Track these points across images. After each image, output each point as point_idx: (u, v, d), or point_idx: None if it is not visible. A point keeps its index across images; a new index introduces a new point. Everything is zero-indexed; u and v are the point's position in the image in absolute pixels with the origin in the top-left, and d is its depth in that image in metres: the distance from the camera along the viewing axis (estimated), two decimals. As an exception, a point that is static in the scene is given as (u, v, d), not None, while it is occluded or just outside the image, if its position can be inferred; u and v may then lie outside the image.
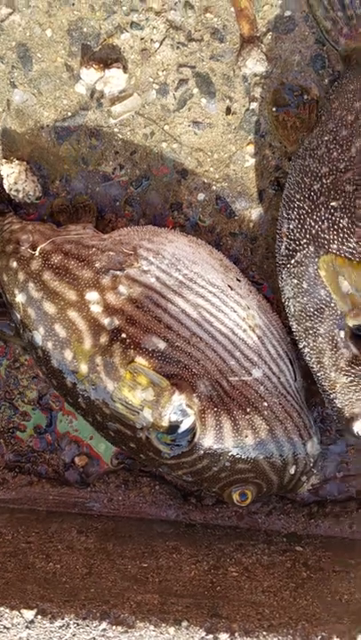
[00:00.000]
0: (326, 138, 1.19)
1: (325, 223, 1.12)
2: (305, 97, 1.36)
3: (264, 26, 1.36)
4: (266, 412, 1.17)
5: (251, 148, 1.37)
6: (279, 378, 1.23)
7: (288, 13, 1.36)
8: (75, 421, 1.38)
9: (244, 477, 1.17)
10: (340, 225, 1.09)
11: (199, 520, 1.33)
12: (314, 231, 1.14)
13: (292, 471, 1.19)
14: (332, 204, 1.12)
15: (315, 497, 1.38)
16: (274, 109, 1.35)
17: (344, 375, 1.12)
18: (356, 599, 1.07)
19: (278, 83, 1.36)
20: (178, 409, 1.13)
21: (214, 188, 1.38)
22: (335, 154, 1.15)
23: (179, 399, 1.13)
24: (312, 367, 1.19)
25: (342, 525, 1.31)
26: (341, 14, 1.32)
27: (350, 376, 1.11)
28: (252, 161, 1.37)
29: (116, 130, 1.39)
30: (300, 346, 1.20)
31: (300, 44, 1.36)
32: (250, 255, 1.39)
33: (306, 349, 1.18)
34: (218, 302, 1.23)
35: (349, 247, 1.07)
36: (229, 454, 1.15)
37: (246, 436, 1.15)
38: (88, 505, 1.34)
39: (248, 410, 1.16)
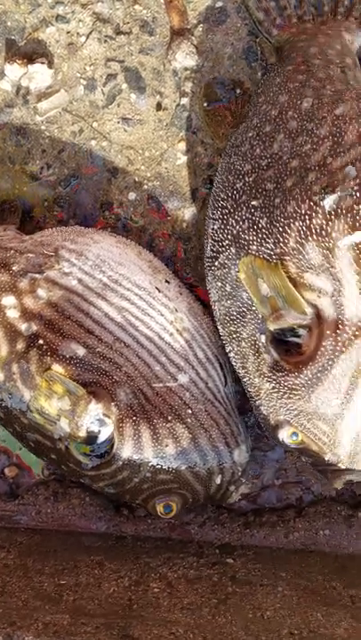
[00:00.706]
0: (250, 134, 1.14)
1: (246, 223, 1.07)
2: (237, 91, 1.31)
3: (195, 18, 1.31)
4: (189, 420, 1.12)
5: (182, 145, 1.32)
6: (207, 383, 1.18)
7: (220, 4, 1.31)
8: (2, 431, 1.33)
9: (168, 488, 1.12)
10: (260, 225, 1.04)
11: (130, 532, 1.27)
12: (235, 232, 1.09)
13: (218, 481, 1.14)
14: (253, 202, 1.07)
15: (253, 505, 1.33)
16: (205, 104, 1.30)
17: (267, 381, 1.07)
18: (279, 615, 1.03)
19: (210, 76, 1.31)
20: (95, 418, 1.09)
21: (146, 187, 1.33)
22: (258, 150, 1.10)
23: (95, 408, 1.08)
24: (238, 372, 1.14)
25: (278, 535, 1.27)
26: (274, 4, 1.27)
27: (272, 382, 1.06)
28: (184, 158, 1.32)
29: (42, 127, 1.34)
30: (227, 350, 1.15)
31: (233, 36, 1.31)
32: (184, 256, 1.34)
33: (231, 354, 1.13)
34: (144, 305, 1.18)
35: (268, 248, 1.02)
36: (150, 465, 1.10)
37: (167, 446, 1.10)
38: (15, 518, 1.29)
39: (170, 418, 1.11)
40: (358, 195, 0.91)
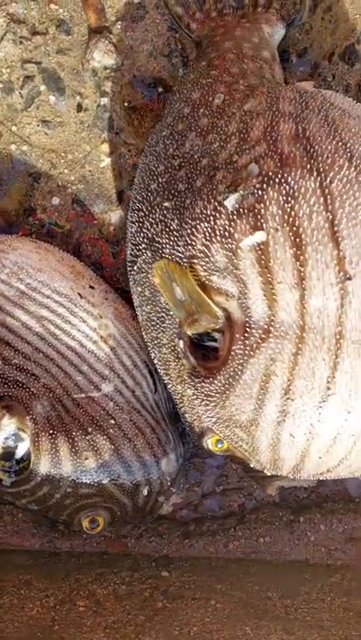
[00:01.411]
0: (164, 133, 1.10)
1: (159, 226, 1.03)
2: (159, 89, 1.27)
3: (113, 15, 1.27)
4: (112, 431, 1.08)
5: (106, 147, 1.28)
6: (134, 391, 1.14)
7: (138, 1, 1.27)
8: None
9: (92, 503, 1.08)
10: (172, 227, 1.00)
11: (65, 548, 1.24)
12: (150, 235, 1.05)
13: (145, 492, 1.10)
14: (165, 204, 1.03)
15: (194, 514, 1.30)
16: (126, 104, 1.26)
17: (188, 388, 1.03)
18: (207, 630, 0.99)
19: (130, 75, 1.27)
20: (10, 433, 1.05)
21: (70, 190, 1.29)
22: (171, 150, 1.06)
23: (9, 423, 1.04)
24: (163, 379, 1.10)
25: (217, 545, 1.23)
26: (193, -1, 1.23)
27: (192, 389, 1.02)
28: (108, 160, 1.29)
29: None
30: (152, 357, 1.11)
31: (152, 32, 1.27)
32: (113, 260, 1.30)
33: (155, 360, 1.10)
34: (65, 313, 1.15)
35: (179, 251, 0.98)
36: (70, 479, 1.06)
37: (87, 459, 1.06)
38: None
39: (90, 429, 1.07)
40: (260, 193, 0.87)
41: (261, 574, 1.16)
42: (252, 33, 1.18)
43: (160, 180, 1.06)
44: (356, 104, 1.00)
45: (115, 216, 1.29)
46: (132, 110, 1.25)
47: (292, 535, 1.23)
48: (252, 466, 1.02)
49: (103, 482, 1.07)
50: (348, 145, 0.89)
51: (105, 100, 1.27)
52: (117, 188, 1.29)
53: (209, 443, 1.06)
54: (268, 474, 1.01)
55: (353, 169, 0.87)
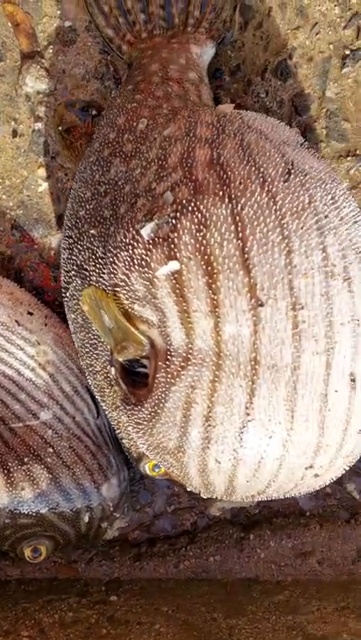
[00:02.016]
0: (92, 159, 1.10)
1: (86, 253, 1.03)
2: (92, 112, 1.27)
3: (45, 39, 1.27)
4: (50, 459, 1.08)
5: (42, 171, 1.28)
6: (74, 417, 1.14)
7: (68, 24, 1.27)
8: None
9: (33, 532, 1.08)
10: (97, 255, 1.01)
11: (15, 576, 1.24)
12: (79, 262, 1.05)
13: (86, 519, 1.10)
14: (92, 231, 1.03)
15: (146, 535, 1.30)
16: (60, 128, 1.26)
17: (122, 414, 1.04)
18: (147, 656, 0.99)
19: (63, 99, 1.28)
20: None
21: (9, 216, 1.29)
22: (97, 176, 1.07)
23: None
24: (101, 405, 1.11)
25: (168, 565, 1.23)
26: (123, 20, 1.23)
27: (125, 415, 1.02)
28: (45, 185, 1.29)
29: None
30: (90, 383, 1.11)
31: (84, 55, 1.27)
32: (54, 284, 1.30)
33: (92, 387, 1.10)
34: (1, 341, 1.15)
35: (104, 279, 0.98)
36: (7, 510, 1.06)
37: (23, 489, 1.06)
38: None
39: (26, 459, 1.07)
40: (174, 222, 0.87)
41: (210, 594, 1.16)
42: (179, 54, 1.18)
43: (87, 206, 1.06)
44: (277, 125, 1.01)
45: (55, 240, 1.29)
46: (67, 134, 1.25)
47: (242, 553, 1.23)
48: (189, 490, 1.02)
49: (42, 511, 1.07)
50: (262, 170, 0.89)
51: (39, 125, 1.27)
52: (56, 212, 1.29)
53: (146, 468, 1.06)
54: (205, 497, 1.01)
55: (265, 194, 0.87)
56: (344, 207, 0.93)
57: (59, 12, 1.26)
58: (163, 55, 1.17)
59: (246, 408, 0.85)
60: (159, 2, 1.22)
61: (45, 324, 1.19)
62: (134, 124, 1.07)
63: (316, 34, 1.26)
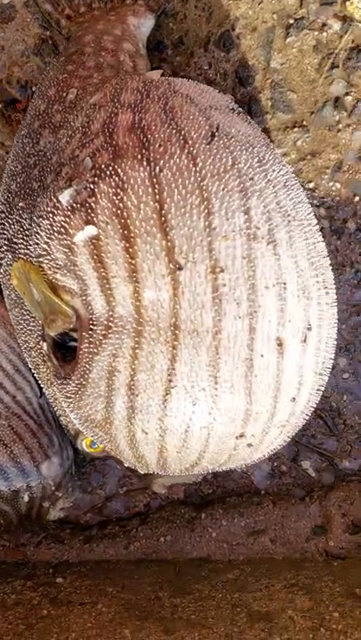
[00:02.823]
0: (23, 132, 1.08)
1: (15, 226, 1.01)
2: (32, 88, 1.25)
3: (-17, 17, 1.26)
4: (-14, 438, 1.07)
5: (-17, 150, 1.27)
6: (14, 396, 1.12)
7: (7, 1, 1.25)
8: None
9: (-29, 513, 1.07)
10: (25, 227, 0.99)
11: None
12: (9, 236, 1.03)
13: (26, 498, 1.08)
14: (20, 204, 1.01)
15: (99, 517, 1.27)
16: (0, 105, 1.25)
17: (57, 390, 1.02)
18: (84, 636, 0.97)
19: (3, 76, 1.26)
20: None
21: None
22: (27, 148, 1.05)
23: None
24: (40, 383, 1.08)
25: (117, 547, 1.21)
26: (62, -5, 1.22)
27: (58, 391, 1.00)
28: (-14, 164, 1.27)
29: None
30: (28, 363, 1.09)
31: (23, 31, 1.25)
32: (-1, 265, 1.28)
33: (29, 364, 1.08)
34: None
35: (30, 250, 0.96)
36: None
37: None
38: None
39: None
40: (92, 187, 0.85)
41: (157, 574, 1.14)
42: (114, 25, 1.16)
43: (18, 179, 1.04)
44: (208, 90, 0.98)
45: (-2, 220, 1.27)
46: (6, 111, 1.23)
47: (194, 532, 1.21)
48: (125, 466, 1.00)
49: (-22, 490, 1.05)
50: (184, 132, 0.87)
51: (-21, 104, 1.26)
52: (-1, 192, 1.27)
53: (84, 444, 1.04)
54: (142, 472, 0.99)
55: (185, 156, 0.84)
56: (273, 170, 0.90)
57: (-3, -12, 1.24)
58: (98, 27, 1.15)
59: (168, 375, 0.83)
60: (98, -25, 1.21)
61: (-14, 304, 1.18)
62: (64, 94, 1.05)
63: (259, 3, 1.24)
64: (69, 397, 0.94)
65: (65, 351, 0.98)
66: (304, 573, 1.11)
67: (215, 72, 1.26)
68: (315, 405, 0.96)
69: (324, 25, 1.24)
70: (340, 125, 1.25)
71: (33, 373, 1.16)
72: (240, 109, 0.99)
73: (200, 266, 0.81)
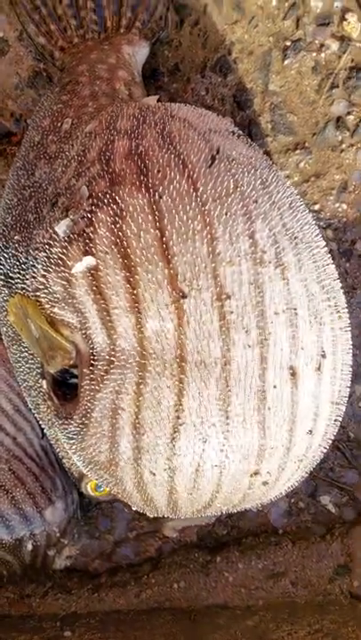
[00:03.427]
0: (18, 164, 1.05)
1: (12, 260, 0.97)
2: (27, 122, 1.23)
3: (-24, 52, 1.25)
4: (-14, 484, 1.01)
5: (-21, 185, 1.24)
6: (15, 438, 1.07)
7: (0, 34, 1.24)
8: None
9: (-29, 565, 1.00)
10: (21, 260, 0.95)
11: (-36, 614, 1.15)
12: (5, 271, 0.99)
13: (30, 547, 1.02)
14: (16, 237, 0.97)
15: (108, 564, 1.20)
16: (-5, 140, 1.23)
17: (58, 430, 0.96)
18: None
19: (-3, 110, 1.24)
20: None
21: None
22: (23, 180, 1.02)
23: None
24: (41, 424, 1.03)
25: (128, 595, 1.14)
26: (55, 27, 1.20)
27: (60, 431, 0.95)
28: (-18, 198, 1.24)
29: None
30: (28, 402, 1.04)
31: (17, 65, 1.24)
32: (-3, 301, 1.24)
33: (29, 404, 1.03)
34: None
35: (27, 284, 0.92)
36: None
37: None
38: None
39: None
40: (89, 216, 0.82)
41: (171, 624, 1.06)
42: (109, 54, 1.14)
43: (14, 212, 1.01)
44: (206, 114, 0.95)
45: (-5, 255, 1.24)
46: (1, 144, 1.21)
47: (208, 577, 1.14)
48: (134, 509, 0.94)
49: (-21, 540, 0.99)
50: (183, 156, 0.84)
51: (-27, 138, 1.24)
52: (-4, 226, 1.24)
53: (88, 488, 0.99)
54: (151, 516, 0.93)
55: (185, 181, 0.81)
56: (277, 192, 0.87)
57: (-10, 24, 1.24)
58: (92, 56, 1.14)
59: (176, 411, 0.78)
60: (90, 6, 1.20)
61: (-16, 341, 1.13)
62: (59, 124, 1.02)
63: (255, 27, 1.23)
64: (72, 438, 0.89)
65: (66, 389, 0.93)
66: (329, 618, 1.03)
67: (213, 97, 1.24)
68: (332, 437, 0.90)
69: (321, 45, 1.22)
70: (344, 145, 1.22)
71: (34, 413, 1.11)
72: (240, 132, 0.96)
73: (205, 293, 0.77)
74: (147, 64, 1.22)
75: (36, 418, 1.10)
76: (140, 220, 0.79)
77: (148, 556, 1.20)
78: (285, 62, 1.23)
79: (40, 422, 1.01)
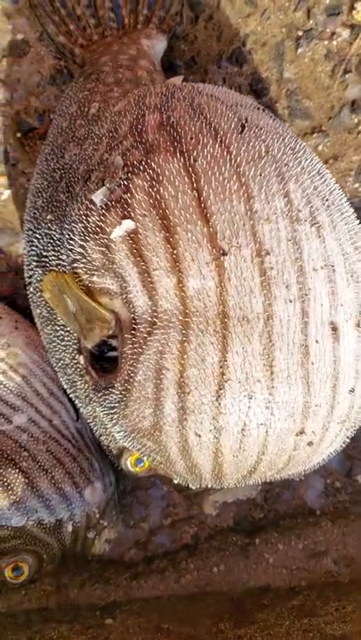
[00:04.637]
0: (47, 150, 1.08)
1: (45, 239, 0.99)
2: (50, 116, 1.26)
3: (-1, 53, 1.29)
4: (25, 464, 1.00)
5: (4, 180, 1.26)
6: (51, 420, 1.07)
7: (21, 37, 1.28)
8: None
9: (12, 546, 0.98)
10: (55, 238, 0.96)
11: (2, 609, 1.12)
12: (38, 251, 1.01)
13: (70, 528, 1.00)
14: (48, 217, 0.99)
15: (143, 553, 1.18)
16: (19, 135, 1.25)
17: (96, 405, 0.96)
18: None
19: (20, 106, 1.27)
20: None
21: (-26, 228, 1.27)
22: (52, 164, 1.04)
23: None
24: (77, 403, 1.03)
25: (168, 581, 1.12)
26: (74, 26, 1.24)
27: (99, 405, 0.94)
28: (8, 192, 1.26)
29: None
30: (61, 381, 1.04)
31: (38, 64, 1.28)
32: (23, 290, 1.25)
33: (64, 384, 1.03)
34: (-31, 348, 1.09)
35: (62, 260, 0.93)
36: (-20, 523, 0.97)
37: (-4, 498, 0.97)
38: None
39: (-1, 465, 0.99)
40: (126, 183, 0.83)
41: (215, 607, 1.04)
42: (129, 46, 1.18)
43: (44, 195, 1.03)
44: (230, 91, 0.98)
45: (22, 247, 1.25)
46: (25, 139, 1.24)
47: (249, 560, 1.12)
48: (175, 482, 0.93)
49: (20, 521, 0.98)
50: (214, 124, 0.86)
51: (-2, 134, 1.27)
52: (21, 219, 1.26)
53: (128, 464, 0.98)
54: (194, 488, 0.92)
55: (218, 145, 0.83)
56: (306, 159, 0.89)
57: (10, 27, 1.28)
58: (113, 48, 1.17)
59: (221, 367, 0.78)
60: (108, 5, 1.24)
61: (16, 328, 1.14)
62: (86, 109, 1.05)
63: (268, 19, 1.27)
64: (113, 408, 0.88)
65: (103, 363, 0.94)
66: (376, 594, 1.01)
67: (230, 86, 1.27)
68: (373, 401, 0.90)
69: (333, 34, 1.26)
70: (360, 127, 1.25)
71: (69, 396, 1.11)
72: (264, 107, 0.98)
73: (245, 250, 0.78)
74: (164, 57, 1.26)
75: (70, 400, 1.10)
76: (177, 183, 0.80)
77: (184, 543, 1.19)
78: (299, 51, 1.26)
79: (76, 401, 1.01)
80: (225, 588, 1.10)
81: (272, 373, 0.78)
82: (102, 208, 0.84)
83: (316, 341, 0.79)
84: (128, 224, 0.81)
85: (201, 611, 1.03)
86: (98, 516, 1.03)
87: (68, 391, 1.02)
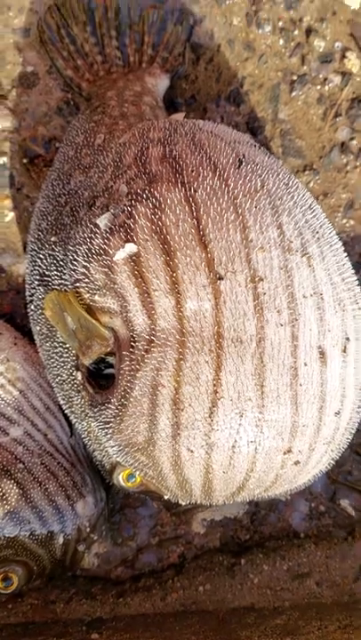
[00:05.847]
0: (53, 176, 1.13)
1: (48, 260, 1.04)
2: (56, 144, 1.33)
3: (9, 84, 1.35)
4: (20, 475, 1.03)
5: (9, 203, 1.31)
6: (46, 434, 1.09)
7: (30, 69, 1.35)
8: None
9: (3, 556, 1.00)
10: (58, 258, 1.01)
11: (-12, 622, 1.13)
12: (41, 271, 1.05)
13: (61, 540, 1.02)
14: (52, 239, 1.04)
15: (131, 571, 1.20)
16: (25, 161, 1.31)
17: (91, 420, 0.99)
18: None
19: (27, 134, 1.33)
20: None
21: (-23, 248, 1.31)
22: (58, 189, 1.09)
23: None
24: (71, 419, 1.06)
25: (154, 599, 1.13)
26: (82, 62, 1.32)
27: (94, 420, 0.98)
28: (11, 215, 1.31)
29: None
30: (58, 397, 1.08)
31: (46, 95, 1.35)
32: (23, 309, 1.29)
33: (60, 400, 1.06)
34: (-32, 362, 1.12)
35: (65, 279, 0.98)
36: (-27, 533, 0.99)
37: (-9, 508, 1.00)
38: None
39: (-6, 477, 1.01)
40: (129, 209, 0.89)
41: (200, 624, 1.06)
42: (134, 83, 1.25)
43: (49, 218, 1.08)
44: (229, 130, 1.05)
45: (23, 267, 1.30)
46: (31, 165, 1.30)
47: (234, 580, 1.14)
48: (166, 498, 0.96)
49: (13, 531, 1.00)
50: (213, 159, 0.92)
51: (4, 159, 1.32)
52: (23, 241, 1.31)
53: (120, 479, 1.01)
54: (183, 504, 0.95)
55: (217, 178, 0.89)
56: (298, 194, 0.95)
57: (21, 60, 1.35)
58: (119, 84, 1.24)
59: (214, 385, 0.82)
60: (115, 44, 1.32)
61: (15, 344, 1.18)
62: (92, 139, 1.11)
63: (265, 63, 1.35)
64: (108, 422, 0.92)
65: (100, 380, 0.97)
66: (356, 614, 1.04)
67: (228, 124, 1.34)
68: (356, 424, 0.95)
69: (325, 79, 1.34)
70: (349, 167, 1.32)
71: (64, 411, 1.14)
72: (260, 145, 1.05)
73: (240, 276, 0.83)
74: (166, 94, 1.33)
75: (65, 416, 1.14)
76: (178, 211, 0.86)
77: (170, 562, 1.21)
78: (293, 94, 1.34)
79: (72, 416, 1.04)
80: (210, 607, 1.12)
81: (263, 393, 0.82)
82: (106, 232, 0.90)
83: (305, 364, 0.84)
84: (131, 247, 0.86)
85: (186, 629, 1.05)
86: (88, 529, 1.05)
87: (64, 406, 1.05)
